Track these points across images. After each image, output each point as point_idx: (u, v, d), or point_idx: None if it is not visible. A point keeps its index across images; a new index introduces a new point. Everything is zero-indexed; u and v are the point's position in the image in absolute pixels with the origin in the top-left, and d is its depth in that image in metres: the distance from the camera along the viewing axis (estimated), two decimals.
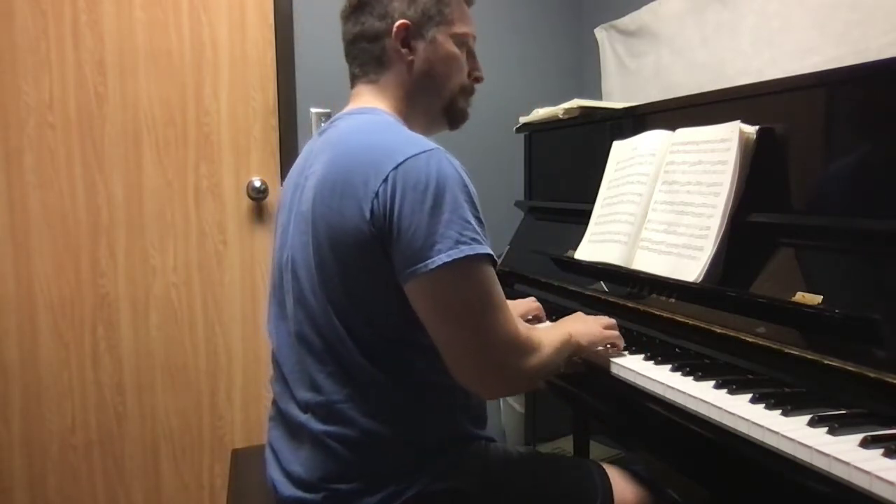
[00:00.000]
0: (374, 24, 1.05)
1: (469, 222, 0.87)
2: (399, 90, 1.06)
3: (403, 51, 1.04)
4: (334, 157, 0.95)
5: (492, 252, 0.89)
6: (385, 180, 0.87)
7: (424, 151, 0.89)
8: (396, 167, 0.88)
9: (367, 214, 0.88)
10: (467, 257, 0.85)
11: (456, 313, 0.88)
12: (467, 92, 1.13)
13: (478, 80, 1.14)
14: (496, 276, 0.91)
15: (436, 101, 1.10)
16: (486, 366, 0.90)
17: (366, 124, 1.01)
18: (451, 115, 1.12)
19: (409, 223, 0.86)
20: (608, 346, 1.12)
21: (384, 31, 1.04)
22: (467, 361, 0.90)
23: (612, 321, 1.15)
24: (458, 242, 0.85)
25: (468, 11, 1.11)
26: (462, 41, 1.09)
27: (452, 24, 1.07)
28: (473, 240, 0.87)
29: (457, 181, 0.89)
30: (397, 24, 1.03)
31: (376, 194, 0.87)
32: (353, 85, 1.11)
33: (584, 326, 1.10)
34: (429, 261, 0.85)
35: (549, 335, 1.01)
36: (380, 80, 1.07)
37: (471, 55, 1.12)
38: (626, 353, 1.12)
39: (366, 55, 1.07)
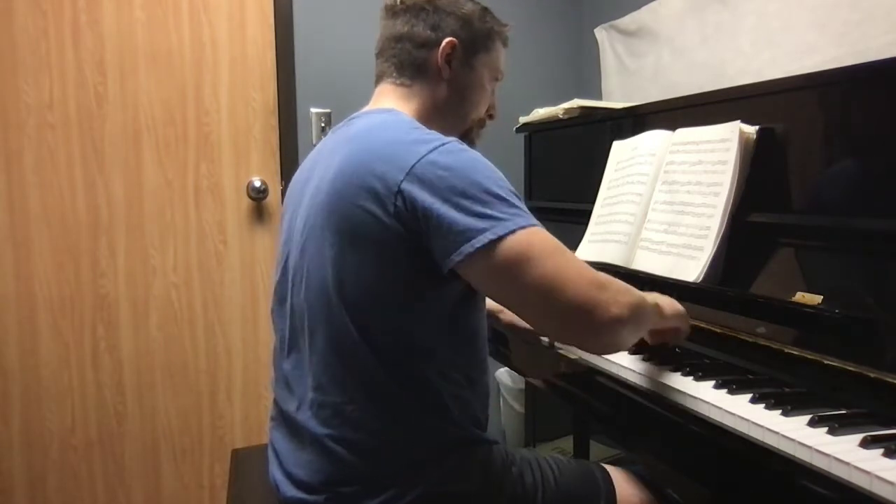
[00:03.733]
0: (424, 31, 1.06)
1: (503, 198, 0.87)
2: (427, 102, 1.08)
3: (444, 67, 1.06)
4: (354, 152, 0.95)
5: (530, 223, 0.87)
6: (408, 175, 0.87)
7: (443, 143, 0.91)
8: (418, 161, 0.88)
9: (391, 209, 0.88)
10: (508, 233, 0.84)
11: (523, 282, 0.85)
12: (481, 125, 1.17)
13: (491, 117, 1.18)
14: (547, 233, 0.88)
15: (458, 125, 1.12)
16: (575, 310, 0.84)
17: (386, 122, 1.01)
18: (463, 141, 1.14)
19: (445, 212, 0.85)
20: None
21: (432, 42, 1.06)
22: (559, 317, 0.85)
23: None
24: (497, 219, 0.85)
25: (504, 52, 1.16)
26: (494, 77, 1.14)
27: (492, 60, 1.12)
28: (511, 215, 0.86)
29: (478, 164, 0.90)
30: (447, 40, 1.05)
31: (399, 190, 0.87)
32: (378, 81, 1.11)
33: (665, 299, 1.04)
34: (474, 240, 0.84)
35: (636, 290, 0.94)
36: (412, 86, 1.07)
37: (493, 93, 1.17)
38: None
39: (406, 57, 1.07)
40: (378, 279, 0.91)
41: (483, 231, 0.84)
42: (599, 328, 0.85)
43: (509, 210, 0.86)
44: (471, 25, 1.08)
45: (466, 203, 0.86)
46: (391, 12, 1.09)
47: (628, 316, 0.86)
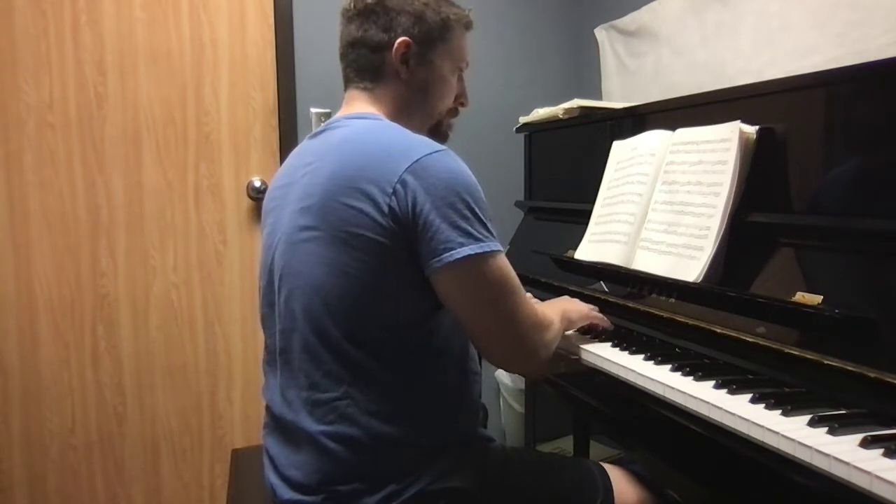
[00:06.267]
0: (377, 34, 1.06)
1: (482, 220, 0.93)
2: (394, 102, 1.09)
3: (401, 67, 1.06)
4: (347, 155, 0.96)
5: (499, 248, 0.95)
6: (402, 176, 0.90)
7: (437, 151, 0.93)
8: (412, 164, 0.90)
9: (385, 209, 0.90)
10: (485, 252, 0.91)
11: (482, 301, 0.94)
12: (451, 115, 1.17)
13: (462, 105, 1.18)
14: (510, 267, 0.96)
15: (426, 119, 1.13)
16: (515, 345, 0.97)
17: (376, 126, 1.03)
18: (435, 134, 1.15)
19: (433, 218, 0.89)
20: (591, 326, 1.23)
21: (386, 44, 1.06)
22: (498, 343, 0.97)
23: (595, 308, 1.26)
24: (476, 239, 0.91)
25: (466, 39, 1.14)
26: (457, 66, 1.13)
27: (452, 49, 1.11)
28: (487, 237, 0.92)
29: (469, 181, 0.93)
30: (399, 40, 1.05)
31: (394, 191, 0.90)
32: (346, 86, 1.12)
33: (571, 304, 1.21)
34: (454, 251, 0.89)
35: (552, 311, 1.09)
36: (375, 90, 1.08)
37: (460, 80, 1.16)
38: (602, 341, 1.20)
39: (364, 62, 1.08)
40: (371, 277, 0.92)
41: (462, 245, 0.90)
42: (529, 363, 1.03)
43: (484, 232, 0.92)
44: (424, 20, 1.06)
45: (451, 214, 0.90)
46: (346, 17, 1.10)
47: (551, 350, 1.04)
